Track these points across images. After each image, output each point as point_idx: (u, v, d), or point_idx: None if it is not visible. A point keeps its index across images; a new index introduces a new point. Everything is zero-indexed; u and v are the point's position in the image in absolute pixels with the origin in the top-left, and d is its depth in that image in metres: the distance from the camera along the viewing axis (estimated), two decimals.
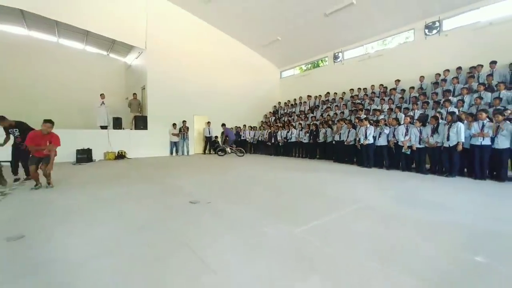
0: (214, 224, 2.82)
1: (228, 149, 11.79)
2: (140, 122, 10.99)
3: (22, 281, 1.74)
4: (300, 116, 12.42)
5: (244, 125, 13.84)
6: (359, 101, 10.77)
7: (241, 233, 2.56)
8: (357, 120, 8.42)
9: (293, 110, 14.09)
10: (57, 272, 1.84)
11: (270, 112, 15.30)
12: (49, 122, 4.67)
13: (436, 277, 1.77)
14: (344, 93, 12.04)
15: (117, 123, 10.67)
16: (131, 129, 11.21)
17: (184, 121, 11.72)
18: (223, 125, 12.55)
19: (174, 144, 11.64)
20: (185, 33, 12.31)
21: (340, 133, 8.79)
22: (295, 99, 14.70)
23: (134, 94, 11.49)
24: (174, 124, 11.60)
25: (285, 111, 14.73)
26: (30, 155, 4.67)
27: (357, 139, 7.93)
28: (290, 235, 2.48)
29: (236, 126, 13.95)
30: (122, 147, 10.48)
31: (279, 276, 1.79)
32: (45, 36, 12.81)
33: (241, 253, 2.13)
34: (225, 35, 13.88)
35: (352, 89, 11.65)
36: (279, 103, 15.88)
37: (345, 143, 8.45)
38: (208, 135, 12.63)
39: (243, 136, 13.52)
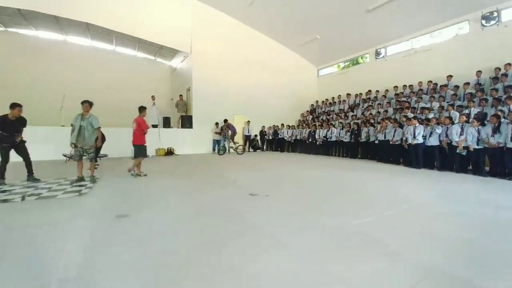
0: (276, 212, 3.14)
1: (232, 145, 11.85)
2: (186, 122, 11.85)
3: (140, 248, 2.21)
4: (340, 114, 12.27)
5: (282, 124, 14.08)
6: (404, 99, 10.34)
7: (299, 220, 2.87)
8: (404, 119, 8.16)
9: (332, 108, 13.94)
10: (165, 237, 2.30)
11: (308, 111, 15.31)
12: (145, 108, 5.72)
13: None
14: (387, 90, 11.63)
15: (166, 122, 11.65)
16: (177, 127, 12.14)
17: (225, 120, 12.35)
18: (225, 121, 12.11)
19: (216, 142, 12.32)
20: (227, 36, 12.91)
21: (385, 132, 8.58)
22: (333, 98, 14.52)
23: (181, 95, 12.41)
24: (216, 123, 12.28)
25: (323, 109, 14.62)
26: (141, 145, 5.63)
27: (404, 138, 7.69)
28: (347, 225, 2.69)
29: (273, 125, 14.25)
30: (171, 144, 11.42)
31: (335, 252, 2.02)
32: (104, 45, 14.44)
33: (304, 234, 2.40)
34: (264, 36, 14.24)
35: (396, 87, 11.19)
36: (317, 101, 15.80)
37: (391, 143, 8.23)
38: (247, 134, 13.12)
39: (281, 135, 13.76)
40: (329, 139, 11.21)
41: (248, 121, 13.18)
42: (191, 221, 2.88)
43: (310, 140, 12.11)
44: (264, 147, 14.38)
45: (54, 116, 10.18)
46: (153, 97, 11.91)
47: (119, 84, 14.34)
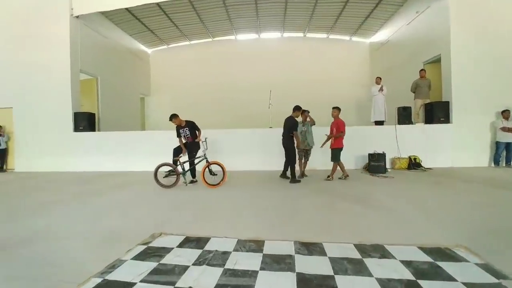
0: None
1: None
2: (438, 112, 6.98)
3: None
4: None
5: None
6: None
7: None
8: None
9: None
10: None
11: None
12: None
13: None
14: None
15: (405, 115, 7.29)
16: (418, 123, 7.52)
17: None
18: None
19: (504, 147, 6.58)
20: None
21: None
22: None
23: (422, 70, 7.54)
24: (505, 112, 6.54)
25: None
26: None
27: None
28: None
29: None
30: (413, 150, 6.95)
31: None
32: (293, 34, 12.53)
33: None
34: None
35: None
36: None
37: None
38: None
39: None
40: None
41: None
42: None
43: None
44: None
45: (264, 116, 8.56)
46: (377, 80, 8.02)
47: (310, 75, 12.14)
